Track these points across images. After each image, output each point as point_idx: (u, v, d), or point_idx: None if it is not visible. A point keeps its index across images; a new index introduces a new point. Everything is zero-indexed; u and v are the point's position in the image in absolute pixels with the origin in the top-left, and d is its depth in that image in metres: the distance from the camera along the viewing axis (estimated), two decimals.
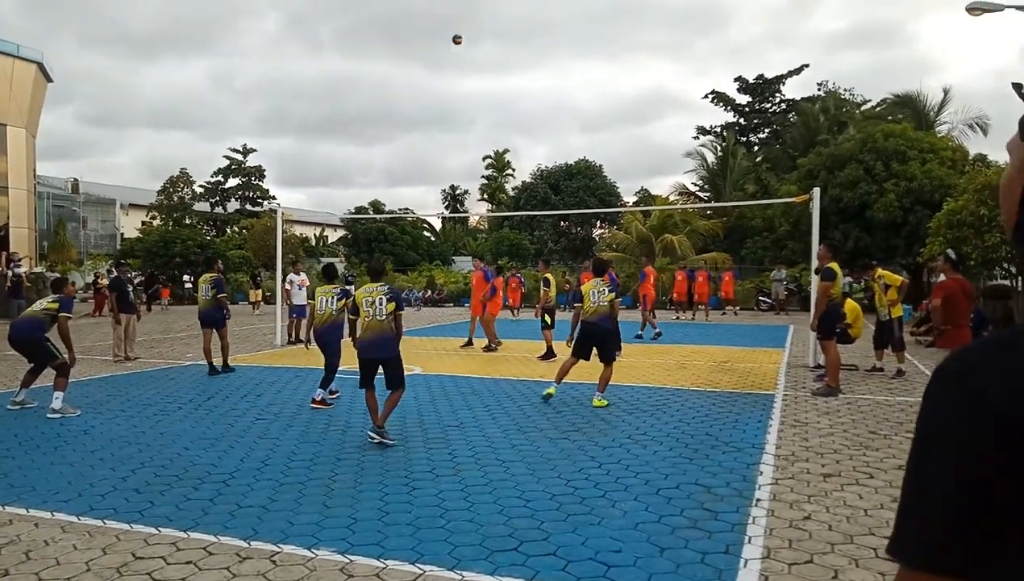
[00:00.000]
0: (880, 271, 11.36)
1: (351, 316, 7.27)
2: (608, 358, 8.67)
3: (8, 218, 25.02)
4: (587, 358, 8.77)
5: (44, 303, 8.58)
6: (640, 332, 16.43)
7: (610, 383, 8.66)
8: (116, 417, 7.84)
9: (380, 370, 6.83)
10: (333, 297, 8.47)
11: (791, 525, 4.50)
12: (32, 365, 8.35)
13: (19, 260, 20.56)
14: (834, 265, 9.39)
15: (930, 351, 13.17)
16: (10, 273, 18.01)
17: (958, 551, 0.71)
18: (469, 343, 14.62)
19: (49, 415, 7.75)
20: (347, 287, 8.36)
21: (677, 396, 9.12)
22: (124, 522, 4.57)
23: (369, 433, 6.65)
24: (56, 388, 7.93)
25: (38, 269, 25.62)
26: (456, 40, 15.42)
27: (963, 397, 0.74)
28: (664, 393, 9.35)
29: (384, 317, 6.77)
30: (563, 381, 8.80)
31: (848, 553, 4.05)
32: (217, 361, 11.02)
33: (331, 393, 8.74)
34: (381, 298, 6.81)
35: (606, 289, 8.78)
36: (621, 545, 4.16)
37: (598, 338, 8.68)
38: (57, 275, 14.41)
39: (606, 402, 8.48)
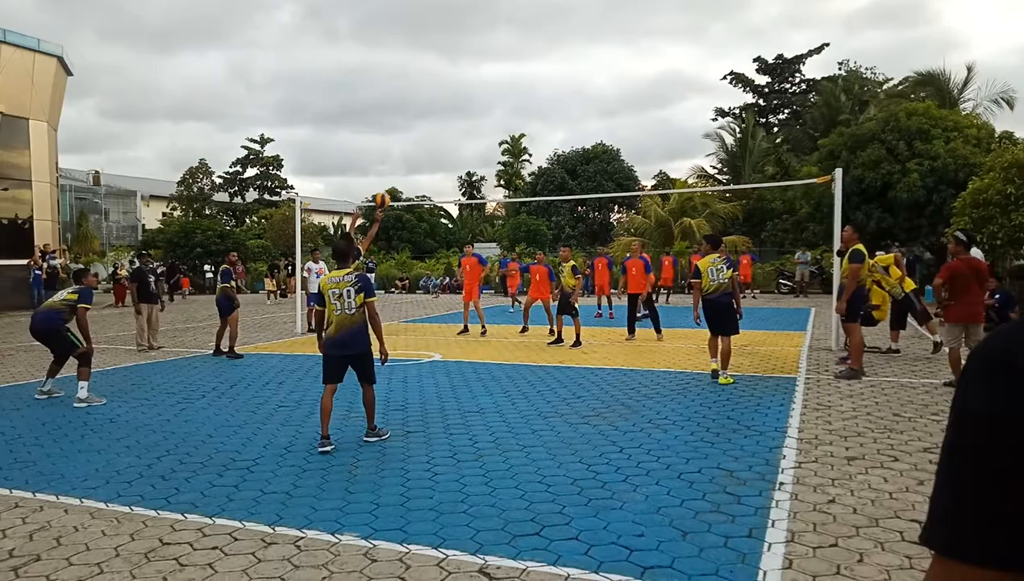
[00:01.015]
0: (872, 261, 10.82)
1: (317, 307, 6.36)
2: (728, 332, 8.81)
3: (32, 211, 25.34)
4: (717, 331, 8.90)
5: (64, 294, 8.67)
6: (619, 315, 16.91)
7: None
8: (141, 405, 7.95)
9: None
10: (353, 289, 6.19)
11: (815, 509, 4.46)
12: (55, 356, 8.48)
13: (53, 252, 20.82)
14: (861, 247, 9.26)
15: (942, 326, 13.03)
16: (45, 265, 18.26)
17: (995, 540, 0.69)
18: (465, 330, 14.72)
19: (75, 405, 7.87)
20: (367, 274, 7.04)
21: (697, 380, 9.07)
22: (151, 508, 4.64)
23: (363, 439, 6.21)
24: (80, 378, 8.05)
25: (61, 261, 25.99)
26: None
27: (1001, 379, 0.71)
28: (684, 377, 9.30)
29: (354, 310, 6.09)
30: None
31: (873, 536, 4.01)
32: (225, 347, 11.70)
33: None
34: (349, 290, 6.08)
35: (724, 266, 8.82)
36: (643, 529, 4.15)
37: (720, 312, 8.81)
38: (80, 266, 14.64)
39: (732, 379, 8.75)
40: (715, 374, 8.90)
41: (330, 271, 6.97)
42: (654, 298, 14.92)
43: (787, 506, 4.50)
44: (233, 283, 11.92)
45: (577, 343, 12.35)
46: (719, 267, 8.77)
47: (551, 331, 13.43)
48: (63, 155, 31.71)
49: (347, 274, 6.19)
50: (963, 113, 27.12)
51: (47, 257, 19.43)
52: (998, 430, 0.70)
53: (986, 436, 0.71)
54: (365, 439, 6.26)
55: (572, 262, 13.05)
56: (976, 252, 9.65)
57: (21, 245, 24.40)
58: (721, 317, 8.84)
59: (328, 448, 5.91)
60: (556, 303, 13.20)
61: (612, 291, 18.31)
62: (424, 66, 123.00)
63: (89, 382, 8.11)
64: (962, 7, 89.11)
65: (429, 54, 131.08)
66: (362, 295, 6.12)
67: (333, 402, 6.13)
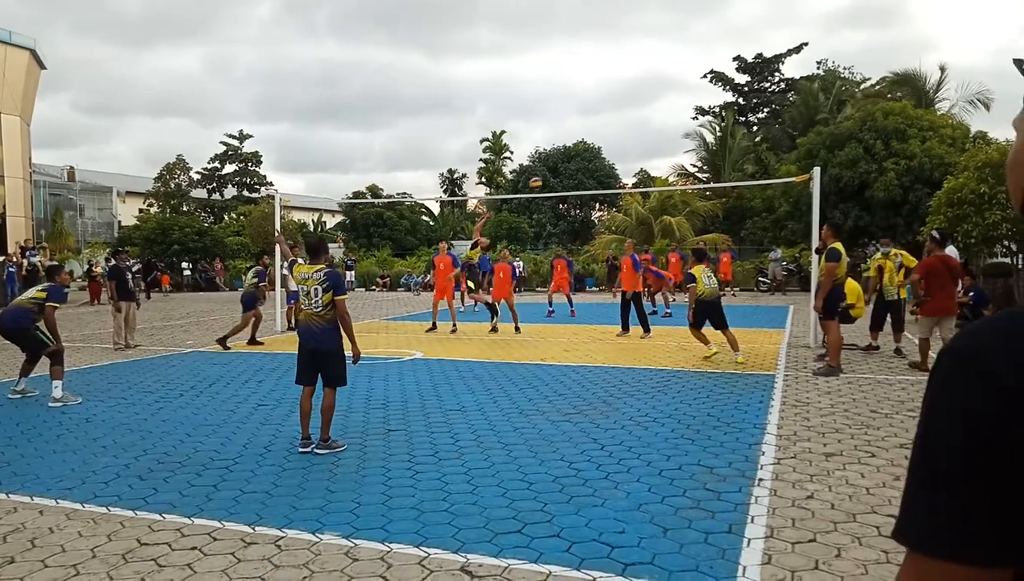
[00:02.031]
0: (897, 250, 11.50)
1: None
2: (724, 325, 10.36)
3: (4, 207, 24.92)
4: (701, 326, 10.48)
5: (33, 292, 8.43)
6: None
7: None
8: (118, 404, 7.84)
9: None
10: (320, 287, 5.95)
11: (794, 504, 4.51)
12: (27, 355, 8.32)
13: (34, 248, 20.47)
14: (838, 245, 9.38)
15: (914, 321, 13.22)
16: (25, 262, 17.94)
17: (965, 536, 0.70)
18: (433, 327, 14.75)
19: (50, 404, 7.75)
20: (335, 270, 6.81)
21: (678, 377, 9.13)
22: (128, 509, 4.58)
23: (313, 450, 5.80)
24: (53, 377, 7.90)
25: (40, 258, 25.57)
26: (533, 184, 16.89)
27: (970, 376, 0.72)
28: (665, 374, 9.36)
29: (321, 309, 5.85)
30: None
31: (851, 531, 4.06)
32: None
33: None
34: (317, 288, 5.85)
35: (712, 273, 10.78)
36: (624, 526, 4.17)
37: (716, 310, 10.36)
38: (54, 263, 14.41)
39: (743, 358, 10.20)
40: (708, 357, 10.44)
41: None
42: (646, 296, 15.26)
43: (766, 502, 4.55)
44: (265, 283, 13.19)
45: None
46: (709, 274, 10.57)
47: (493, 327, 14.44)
48: (36, 150, 31.14)
49: (316, 271, 5.92)
50: (938, 113, 27.52)
51: (27, 253, 19.11)
52: (968, 426, 0.71)
53: (957, 432, 0.72)
54: (316, 451, 5.79)
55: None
56: (951, 250, 9.87)
57: None
58: (721, 313, 10.36)
59: (308, 449, 5.86)
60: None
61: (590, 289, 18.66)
62: (405, 62, 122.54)
63: (63, 381, 7.98)
64: (936, 10, 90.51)
65: (410, 50, 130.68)
66: (330, 294, 5.87)
67: (312, 403, 5.98)
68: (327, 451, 5.83)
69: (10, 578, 3.63)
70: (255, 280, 13.04)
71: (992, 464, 0.69)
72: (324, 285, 5.87)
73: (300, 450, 5.84)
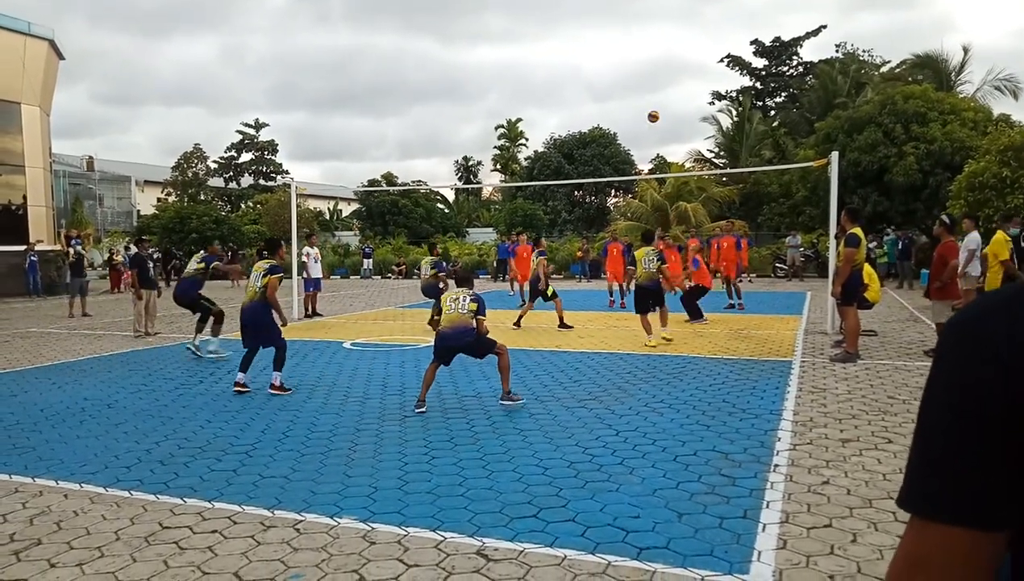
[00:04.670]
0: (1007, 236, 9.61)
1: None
2: (660, 306, 10.61)
3: (26, 197, 25.21)
4: (647, 312, 10.47)
5: (194, 264, 9.99)
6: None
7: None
8: (138, 391, 7.96)
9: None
10: (261, 272, 7.76)
11: (809, 490, 4.51)
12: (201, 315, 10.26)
13: (78, 237, 20.81)
14: (858, 230, 9.30)
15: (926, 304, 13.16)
16: (72, 251, 18.26)
17: (963, 500, 0.72)
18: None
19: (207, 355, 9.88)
20: (277, 264, 7.94)
21: (694, 364, 9.11)
22: (150, 493, 4.66)
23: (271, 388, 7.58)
24: (214, 335, 10.04)
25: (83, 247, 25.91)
26: (652, 117, 16.27)
27: (968, 344, 0.74)
28: (680, 361, 9.34)
29: (257, 287, 7.74)
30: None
31: (867, 517, 4.05)
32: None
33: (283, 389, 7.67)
34: (258, 275, 7.78)
35: (655, 257, 10.50)
36: (639, 511, 4.19)
37: (652, 296, 10.47)
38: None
39: (655, 342, 10.28)
40: (649, 346, 10.26)
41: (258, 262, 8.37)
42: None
43: (782, 487, 4.54)
44: (223, 266, 13.16)
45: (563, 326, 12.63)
46: (651, 258, 10.50)
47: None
48: (56, 140, 31.47)
49: (265, 263, 7.86)
50: (960, 96, 27.07)
51: (72, 242, 19.55)
52: (965, 393, 0.73)
53: (955, 398, 0.74)
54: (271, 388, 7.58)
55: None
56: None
57: (15, 231, 24.32)
58: (649, 298, 10.49)
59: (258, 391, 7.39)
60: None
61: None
62: (418, 50, 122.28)
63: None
64: None
65: (423, 37, 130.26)
66: (267, 278, 7.66)
67: (245, 381, 7.72)
68: (277, 392, 7.55)
69: (38, 559, 3.72)
70: (201, 266, 10.95)
71: (988, 429, 0.71)
72: (266, 270, 7.77)
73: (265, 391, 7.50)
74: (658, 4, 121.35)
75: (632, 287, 13.13)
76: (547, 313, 14.42)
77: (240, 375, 7.75)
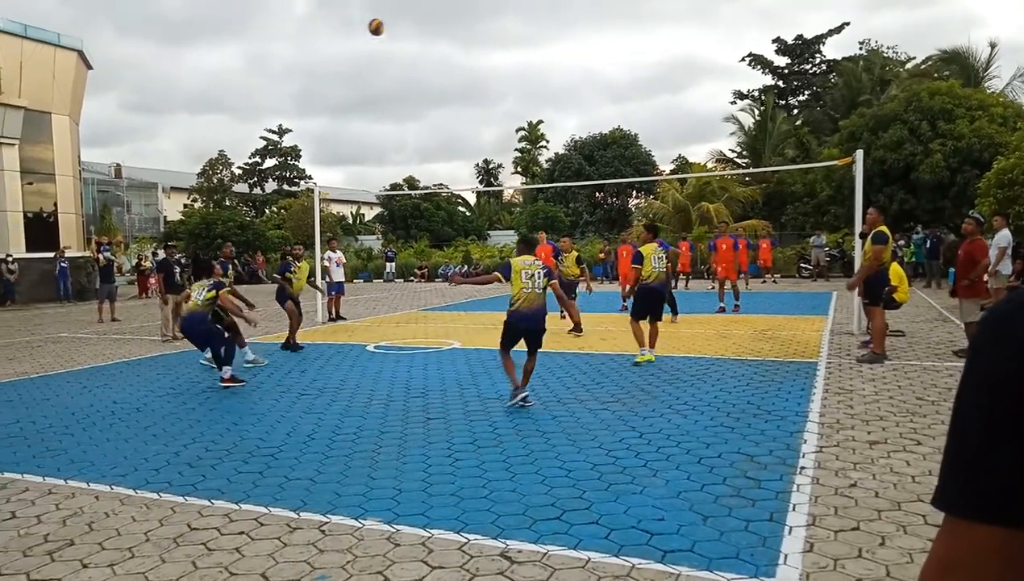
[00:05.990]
0: None
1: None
2: (658, 318, 9.32)
3: (56, 204, 25.71)
4: (656, 318, 9.27)
5: (203, 294, 9.08)
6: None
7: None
8: (166, 394, 8.08)
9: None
10: (203, 289, 8.87)
11: (836, 493, 4.45)
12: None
13: (108, 244, 21.19)
14: (884, 228, 9.19)
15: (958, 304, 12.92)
16: (101, 257, 18.61)
17: (992, 497, 0.72)
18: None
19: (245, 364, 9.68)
20: (222, 280, 9.68)
21: (717, 365, 9.05)
22: (178, 495, 4.73)
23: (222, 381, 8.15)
24: (239, 346, 9.77)
25: (85, 253, 26.33)
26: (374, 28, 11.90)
27: (999, 340, 0.74)
28: (704, 362, 9.27)
29: (199, 302, 8.64)
30: (629, 351, 9.29)
31: (896, 520, 4.00)
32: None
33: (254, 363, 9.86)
34: (201, 290, 8.73)
35: (664, 255, 9.37)
36: (664, 513, 4.17)
37: (657, 299, 9.25)
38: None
39: (652, 357, 9.16)
40: (639, 363, 9.04)
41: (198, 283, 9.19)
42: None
43: (808, 490, 4.49)
44: (289, 275, 11.68)
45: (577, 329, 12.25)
46: (660, 256, 9.27)
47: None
48: (85, 148, 32.04)
49: (207, 281, 8.86)
50: (988, 92, 26.60)
51: (102, 248, 19.94)
52: (1002, 392, 0.72)
53: (991, 398, 0.73)
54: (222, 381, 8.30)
55: (575, 252, 13.33)
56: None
57: (46, 238, 24.83)
58: (656, 304, 9.30)
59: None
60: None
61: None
62: (437, 54, 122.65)
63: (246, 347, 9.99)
64: None
65: (442, 42, 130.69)
66: (212, 292, 8.66)
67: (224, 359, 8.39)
68: (229, 381, 8.29)
69: (71, 559, 3.79)
70: (211, 295, 9.89)
71: (1017, 427, 0.70)
72: (208, 286, 8.80)
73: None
74: (674, 5, 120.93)
75: (628, 292, 10.35)
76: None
77: (226, 369, 8.50)
